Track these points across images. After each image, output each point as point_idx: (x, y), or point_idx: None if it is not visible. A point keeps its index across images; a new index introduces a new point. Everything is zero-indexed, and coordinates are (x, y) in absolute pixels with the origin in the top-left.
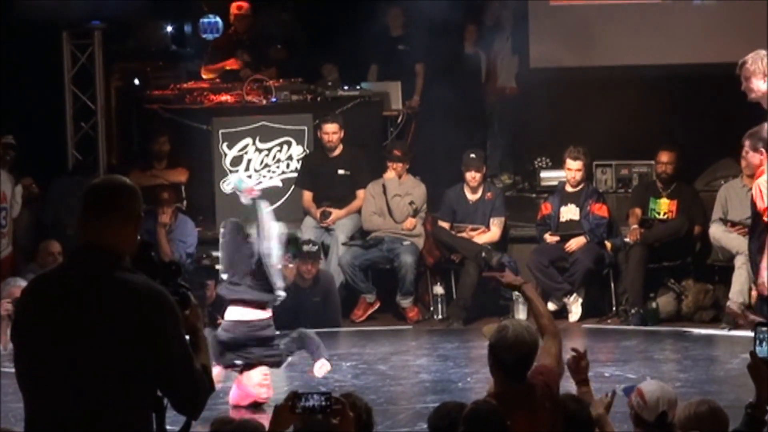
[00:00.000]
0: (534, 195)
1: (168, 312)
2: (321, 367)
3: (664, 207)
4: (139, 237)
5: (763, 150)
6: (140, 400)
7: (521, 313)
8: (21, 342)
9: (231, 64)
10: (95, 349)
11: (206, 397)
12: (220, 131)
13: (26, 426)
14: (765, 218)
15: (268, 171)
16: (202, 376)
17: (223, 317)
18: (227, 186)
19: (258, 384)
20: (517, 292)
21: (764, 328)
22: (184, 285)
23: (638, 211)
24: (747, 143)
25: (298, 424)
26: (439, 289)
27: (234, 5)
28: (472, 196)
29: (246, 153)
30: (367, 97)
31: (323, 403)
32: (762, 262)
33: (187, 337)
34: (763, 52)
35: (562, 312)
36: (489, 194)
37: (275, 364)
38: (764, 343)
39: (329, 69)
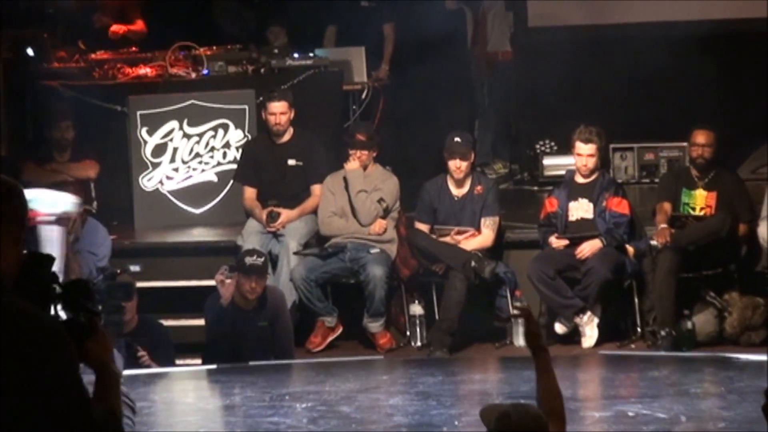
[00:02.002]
0: (536, 188)
1: (44, 344)
2: None
3: (700, 201)
4: (26, 250)
5: None
6: None
7: (520, 339)
8: None
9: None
10: None
11: None
12: (139, 113)
13: None
14: None
15: (200, 162)
16: (104, 422)
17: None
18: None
19: None
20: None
21: None
22: (90, 309)
23: (668, 206)
24: None
25: None
26: (417, 309)
27: None
28: (457, 191)
29: (171, 140)
30: (323, 68)
31: None
32: None
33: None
34: None
35: (573, 335)
36: (478, 188)
37: None
38: None
39: (276, 32)
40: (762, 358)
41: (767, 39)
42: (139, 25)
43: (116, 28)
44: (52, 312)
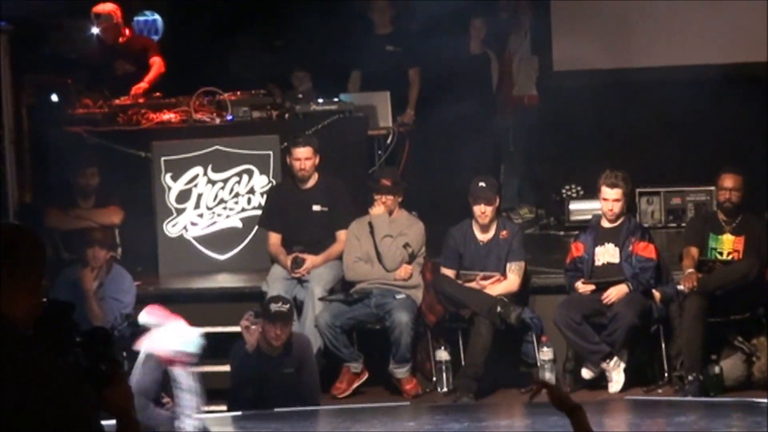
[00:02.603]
0: (562, 233)
1: (61, 391)
2: None
3: (727, 245)
4: (47, 297)
5: None
6: None
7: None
8: None
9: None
10: None
11: None
12: (163, 159)
13: None
14: None
15: (224, 208)
16: None
17: (168, 395)
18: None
19: None
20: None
21: None
22: (111, 356)
23: (695, 250)
24: None
25: None
26: (443, 355)
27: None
28: (482, 236)
29: (195, 186)
30: (348, 112)
31: None
32: None
33: (112, 422)
34: None
35: (600, 380)
36: (504, 233)
37: None
38: None
39: (300, 77)
40: None
41: None
42: (158, 67)
43: (137, 87)
44: (73, 360)
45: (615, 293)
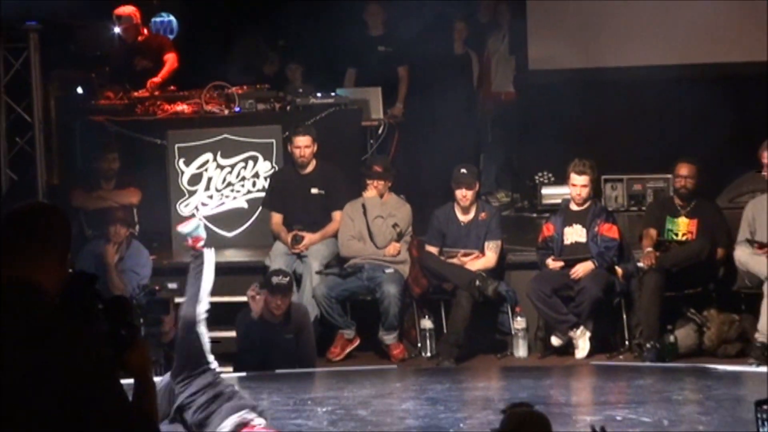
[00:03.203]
0: (534, 215)
1: (84, 353)
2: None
3: (682, 227)
4: (72, 269)
5: None
6: None
7: (521, 350)
8: None
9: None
10: (8, 399)
11: None
12: (177, 146)
13: None
14: None
15: (232, 190)
16: (142, 422)
17: None
18: (184, 228)
19: None
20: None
21: (766, 407)
22: (130, 323)
23: (653, 232)
24: (765, 153)
25: None
26: (427, 323)
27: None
28: (463, 217)
29: (206, 170)
30: (344, 105)
31: None
32: None
33: (130, 380)
34: None
35: (568, 347)
36: (483, 214)
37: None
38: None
39: (293, 69)
40: (737, 368)
41: (741, 81)
42: (172, 63)
43: (153, 81)
44: (96, 325)
45: (582, 269)
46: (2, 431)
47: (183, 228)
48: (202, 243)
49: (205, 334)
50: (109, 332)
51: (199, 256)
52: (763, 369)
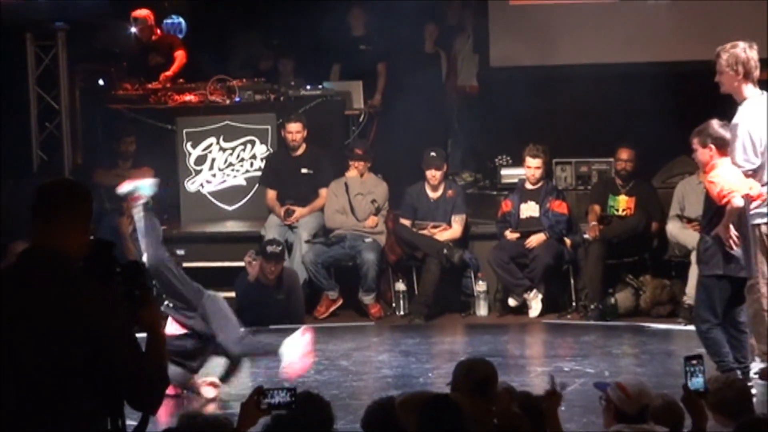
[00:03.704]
0: (494, 192)
1: (104, 310)
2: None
3: (622, 204)
4: (94, 237)
5: (712, 146)
6: (89, 397)
7: (482, 309)
8: None
9: (182, 59)
10: (38, 348)
11: (160, 393)
12: (185, 131)
13: None
14: (722, 203)
15: (232, 170)
16: (154, 371)
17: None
18: (121, 189)
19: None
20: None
21: (693, 361)
22: (143, 284)
23: (597, 208)
24: (695, 140)
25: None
26: (401, 286)
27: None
28: (433, 194)
29: (210, 152)
30: (330, 97)
31: (288, 399)
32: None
33: (144, 334)
34: (740, 44)
35: (523, 307)
36: (450, 192)
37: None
38: (695, 376)
39: (285, 63)
40: (668, 327)
41: (675, 77)
42: (181, 59)
43: (165, 75)
44: (114, 286)
45: (535, 240)
46: (35, 372)
47: (120, 189)
48: (141, 201)
49: (175, 272)
50: (125, 292)
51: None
52: (690, 327)
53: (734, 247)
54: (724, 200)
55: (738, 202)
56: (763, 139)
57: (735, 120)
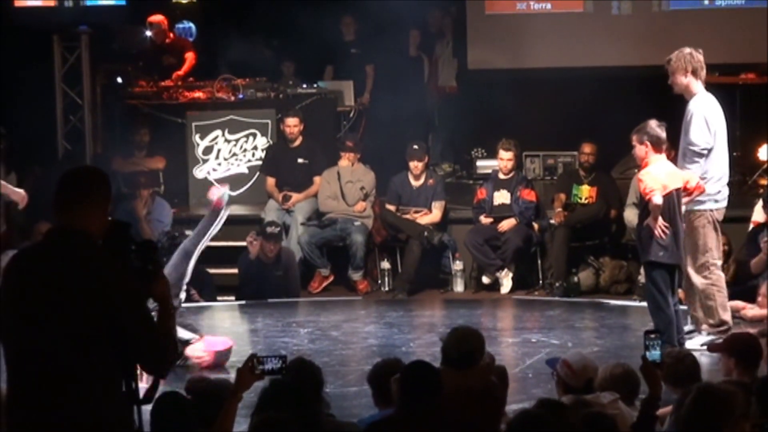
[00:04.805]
0: (471, 182)
1: (121, 283)
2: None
3: (585, 193)
4: (112, 218)
5: (648, 143)
6: (106, 362)
7: (459, 286)
8: (2, 309)
9: (192, 60)
10: (62, 318)
11: (171, 358)
12: (194, 124)
13: (8, 385)
14: (647, 199)
15: (236, 159)
16: (165, 338)
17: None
18: (216, 193)
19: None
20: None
21: (652, 336)
22: (156, 260)
23: (563, 196)
24: (634, 137)
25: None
26: (386, 265)
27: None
28: (415, 183)
29: (216, 143)
30: (324, 95)
31: (280, 365)
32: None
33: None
34: (687, 49)
35: (495, 285)
36: (431, 181)
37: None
38: (653, 349)
39: (287, 66)
40: (624, 303)
41: (632, 80)
42: (190, 60)
43: (176, 74)
44: (129, 262)
45: (506, 224)
46: (59, 339)
47: (211, 195)
48: (223, 205)
49: (190, 269)
50: (139, 267)
51: (218, 212)
52: (643, 303)
53: (663, 236)
54: (647, 197)
55: (657, 200)
56: (716, 124)
57: (689, 108)
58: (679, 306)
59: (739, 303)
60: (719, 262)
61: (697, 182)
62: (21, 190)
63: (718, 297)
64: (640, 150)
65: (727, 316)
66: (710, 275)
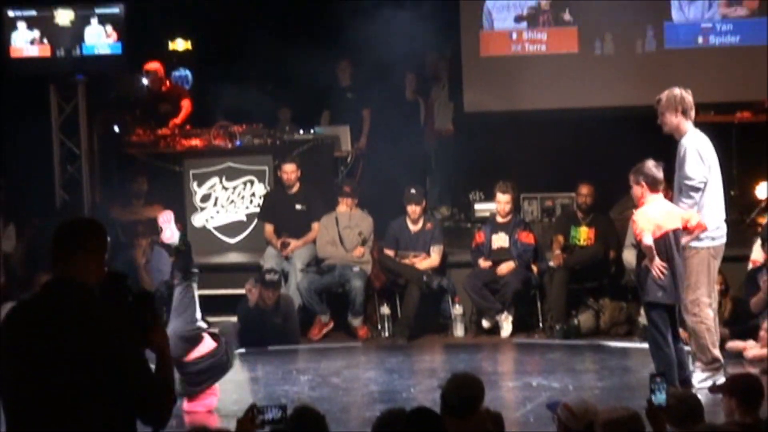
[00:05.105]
0: (469, 225)
1: (119, 335)
2: None
3: (583, 234)
4: (109, 268)
5: (643, 183)
6: (105, 414)
7: (459, 330)
8: (1, 361)
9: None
10: (60, 369)
11: (168, 408)
12: (191, 171)
13: None
14: (637, 239)
15: (234, 206)
16: (163, 388)
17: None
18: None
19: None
20: (456, 312)
21: (658, 379)
22: (153, 311)
23: (561, 238)
24: (631, 177)
25: None
26: (385, 310)
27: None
28: (413, 227)
29: (214, 191)
30: (320, 140)
31: (281, 415)
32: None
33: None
34: (676, 89)
35: (495, 329)
36: (429, 225)
37: None
38: (658, 392)
39: (284, 112)
40: (625, 345)
41: (628, 120)
42: (187, 107)
43: (173, 122)
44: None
45: (505, 267)
46: (56, 390)
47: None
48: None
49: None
50: (136, 317)
51: (189, 286)
52: (644, 345)
53: (661, 277)
54: (638, 238)
55: (646, 240)
56: (710, 159)
57: (682, 144)
58: (682, 345)
59: (739, 343)
60: (708, 300)
61: (698, 221)
62: None
63: (707, 335)
64: (637, 190)
65: (717, 353)
66: (700, 313)
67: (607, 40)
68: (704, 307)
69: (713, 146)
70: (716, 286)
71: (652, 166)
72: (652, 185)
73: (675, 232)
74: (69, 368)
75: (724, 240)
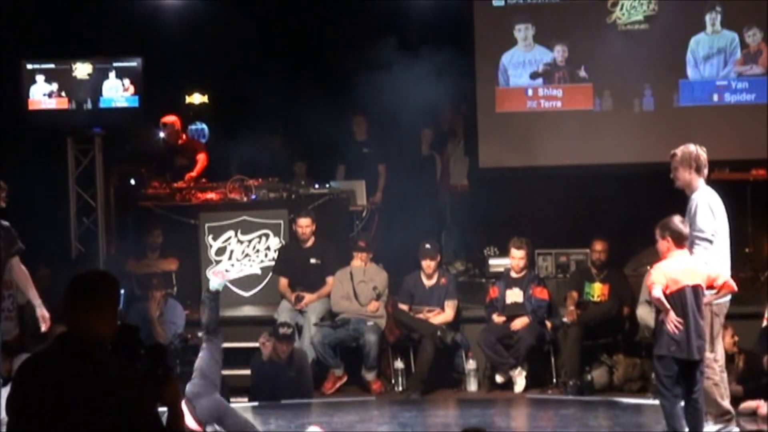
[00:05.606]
0: (483, 280)
1: (131, 388)
2: None
3: (597, 290)
4: (122, 321)
5: (669, 238)
6: None
7: (472, 385)
8: (13, 415)
9: (204, 161)
10: (72, 423)
11: None
12: (207, 225)
13: None
14: (649, 292)
15: (249, 260)
16: None
17: None
18: (213, 284)
19: None
20: (470, 367)
21: None
22: (165, 364)
23: (575, 294)
24: (657, 231)
25: None
26: (399, 364)
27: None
28: (428, 282)
29: (229, 244)
30: (336, 195)
31: None
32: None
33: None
34: (692, 146)
35: (508, 384)
36: (443, 279)
37: None
38: None
39: (300, 166)
40: (639, 401)
41: (642, 177)
42: (202, 161)
43: (189, 175)
44: (139, 366)
45: (519, 323)
46: None
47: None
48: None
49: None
50: (149, 371)
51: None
52: (658, 402)
53: (676, 331)
54: (650, 290)
55: (655, 293)
56: (720, 215)
57: (693, 198)
58: (701, 406)
59: (752, 403)
60: (712, 355)
61: (725, 281)
62: (46, 314)
63: (715, 389)
64: (662, 245)
65: (728, 405)
66: (707, 369)
67: (623, 97)
68: (710, 362)
69: (728, 203)
70: (722, 341)
71: (678, 222)
72: (678, 240)
73: (694, 288)
74: (81, 422)
75: (728, 298)
